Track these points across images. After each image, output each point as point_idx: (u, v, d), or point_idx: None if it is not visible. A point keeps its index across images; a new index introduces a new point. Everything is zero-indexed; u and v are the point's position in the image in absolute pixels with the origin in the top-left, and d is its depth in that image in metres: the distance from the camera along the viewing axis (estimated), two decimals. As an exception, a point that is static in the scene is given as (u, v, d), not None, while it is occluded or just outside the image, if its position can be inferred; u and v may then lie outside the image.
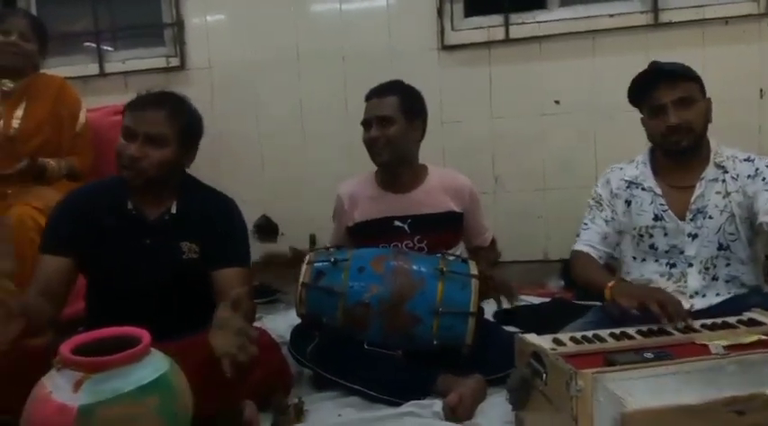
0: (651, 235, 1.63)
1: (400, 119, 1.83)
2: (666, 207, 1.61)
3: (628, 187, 1.67)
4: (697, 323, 1.32)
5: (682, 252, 1.60)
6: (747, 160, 1.59)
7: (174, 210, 1.54)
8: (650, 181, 1.64)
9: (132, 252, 1.51)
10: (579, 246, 1.69)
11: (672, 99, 1.55)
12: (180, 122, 1.50)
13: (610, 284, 1.48)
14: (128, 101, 1.54)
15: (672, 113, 1.55)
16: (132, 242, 1.51)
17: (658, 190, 1.63)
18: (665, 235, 1.61)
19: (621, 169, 1.71)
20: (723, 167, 1.59)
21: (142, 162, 1.46)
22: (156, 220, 1.53)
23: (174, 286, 1.50)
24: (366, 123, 1.87)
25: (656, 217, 1.62)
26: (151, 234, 1.53)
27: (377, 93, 1.88)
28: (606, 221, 1.68)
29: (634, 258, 1.68)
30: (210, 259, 1.52)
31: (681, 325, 1.31)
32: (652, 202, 1.63)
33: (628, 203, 1.67)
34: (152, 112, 1.47)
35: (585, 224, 1.71)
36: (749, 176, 1.56)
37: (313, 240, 2.78)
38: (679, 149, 1.58)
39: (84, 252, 1.50)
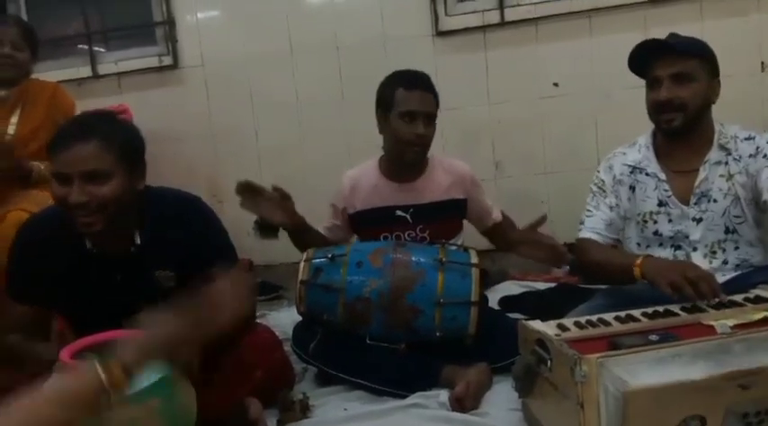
0: (655, 221, 1.59)
1: (435, 119, 1.79)
2: (670, 192, 1.57)
3: (632, 172, 1.63)
4: (703, 303, 1.30)
5: (687, 237, 1.57)
6: (748, 139, 1.54)
7: (138, 241, 1.39)
8: (654, 165, 1.60)
9: (104, 290, 1.39)
10: (585, 233, 1.64)
11: (668, 73, 1.50)
12: (115, 147, 1.29)
13: (638, 261, 1.43)
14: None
15: (665, 87, 1.50)
16: (101, 281, 1.39)
17: (662, 176, 1.58)
18: (670, 221, 1.58)
19: (624, 154, 1.66)
20: (727, 149, 1.54)
21: (91, 204, 1.27)
22: (121, 255, 1.39)
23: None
24: (412, 115, 1.73)
25: (661, 203, 1.58)
26: (120, 269, 1.40)
27: (423, 86, 1.77)
28: (611, 207, 1.64)
29: (638, 244, 1.64)
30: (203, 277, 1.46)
31: (714, 302, 1.29)
32: (656, 188, 1.59)
33: (632, 189, 1.63)
34: (80, 148, 1.26)
35: (589, 210, 1.66)
36: (751, 155, 1.52)
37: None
38: (671, 128, 1.53)
39: (53, 300, 1.42)
